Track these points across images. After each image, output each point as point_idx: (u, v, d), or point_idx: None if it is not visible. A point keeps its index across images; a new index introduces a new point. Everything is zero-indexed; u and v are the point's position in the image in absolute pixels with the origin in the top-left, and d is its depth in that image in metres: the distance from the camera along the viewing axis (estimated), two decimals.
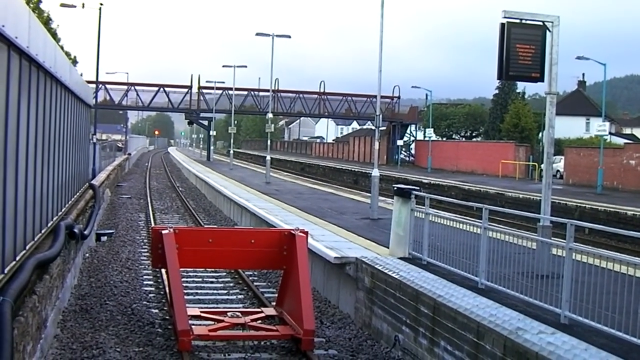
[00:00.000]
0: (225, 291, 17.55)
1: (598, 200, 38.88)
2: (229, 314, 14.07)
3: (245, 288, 17.84)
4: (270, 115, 52.15)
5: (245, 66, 67.15)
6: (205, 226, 26.81)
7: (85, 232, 18.27)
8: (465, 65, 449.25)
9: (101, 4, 43.11)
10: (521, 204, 38.76)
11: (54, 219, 15.05)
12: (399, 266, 14.15)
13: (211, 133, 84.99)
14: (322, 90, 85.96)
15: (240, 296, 17.14)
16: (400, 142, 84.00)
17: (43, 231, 13.25)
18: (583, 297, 9.88)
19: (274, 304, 15.38)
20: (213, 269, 18.96)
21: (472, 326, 10.47)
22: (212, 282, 18.44)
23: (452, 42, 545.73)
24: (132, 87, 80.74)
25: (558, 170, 58.82)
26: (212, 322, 13.63)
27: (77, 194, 21.47)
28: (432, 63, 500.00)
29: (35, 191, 12.11)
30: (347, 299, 15.70)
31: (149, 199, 40.72)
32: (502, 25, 13.83)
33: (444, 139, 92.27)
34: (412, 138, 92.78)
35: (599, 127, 47.57)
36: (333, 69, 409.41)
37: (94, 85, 43.17)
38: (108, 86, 77.67)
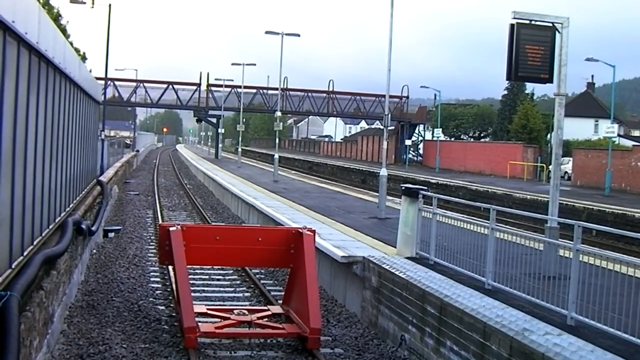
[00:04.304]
0: (232, 289, 17.57)
1: (606, 202, 38.79)
2: (235, 311, 14.08)
3: (252, 286, 17.86)
4: (278, 113, 52.15)
5: (254, 64, 67.25)
6: (213, 224, 26.82)
7: (93, 228, 18.29)
8: (473, 66, 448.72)
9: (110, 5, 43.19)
10: (529, 205, 38.69)
11: (62, 214, 15.08)
12: (406, 266, 14.15)
13: (219, 131, 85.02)
14: (330, 89, 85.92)
15: (247, 294, 17.15)
16: (408, 142, 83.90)
17: (51, 227, 13.28)
18: (590, 298, 9.87)
19: (280, 302, 15.39)
20: (220, 267, 18.97)
21: (478, 326, 10.46)
22: (219, 280, 18.45)
23: (460, 42, 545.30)
24: (141, 84, 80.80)
25: (566, 172, 58.68)
26: (219, 320, 13.64)
27: (85, 190, 21.51)
28: (440, 63, 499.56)
29: (43, 187, 12.14)
30: (354, 298, 15.71)
31: (156, 195, 40.78)
32: (512, 26, 13.81)
33: (452, 139, 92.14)
34: (421, 138, 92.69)
35: (607, 128, 47.44)
36: (340, 68, 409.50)
37: (103, 82, 43.18)
38: (117, 83, 77.65)
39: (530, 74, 14.23)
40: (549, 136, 67.21)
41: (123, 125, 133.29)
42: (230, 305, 15.51)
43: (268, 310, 14.63)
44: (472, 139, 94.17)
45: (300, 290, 13.74)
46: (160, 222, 26.84)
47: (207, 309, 14.27)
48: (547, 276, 12.12)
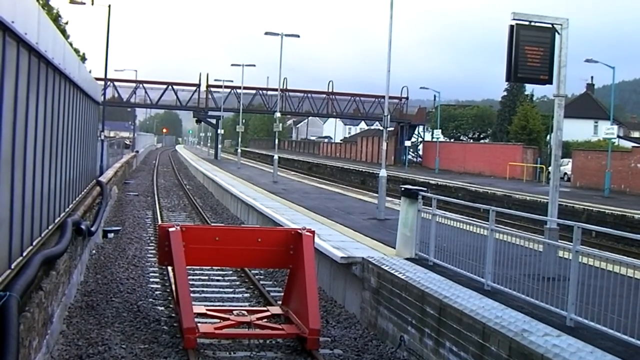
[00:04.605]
0: (232, 289, 17.56)
1: (605, 203, 38.80)
2: (234, 312, 14.09)
3: (252, 286, 17.85)
4: (278, 114, 52.17)
5: (254, 65, 67.21)
6: (212, 224, 26.83)
7: (92, 229, 18.30)
8: (473, 67, 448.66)
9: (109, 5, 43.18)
10: (528, 206, 38.69)
11: (61, 215, 15.08)
12: (405, 267, 14.14)
13: (219, 131, 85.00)
14: (330, 90, 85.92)
15: (246, 295, 17.15)
16: (408, 143, 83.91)
17: (50, 227, 13.28)
18: (589, 299, 9.86)
19: (279, 302, 15.39)
20: (219, 267, 18.96)
21: (477, 327, 10.46)
22: (218, 280, 18.45)
23: (459, 43, 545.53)
24: (141, 85, 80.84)
25: (565, 173, 58.70)
26: (218, 320, 13.64)
27: (85, 190, 21.51)
28: (438, 64, 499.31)
29: (42, 187, 12.14)
30: (353, 298, 15.71)
31: (156, 196, 40.78)
32: (511, 27, 13.83)
33: (452, 140, 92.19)
34: (420, 139, 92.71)
35: (607, 130, 47.46)
36: (340, 69, 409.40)
37: (102, 83, 43.17)
38: (116, 83, 77.70)
39: (530, 75, 14.24)
40: (548, 137, 67.20)
41: (123, 125, 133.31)
42: (230, 306, 15.51)
43: (267, 311, 14.64)
44: (471, 140, 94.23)
45: (299, 291, 13.74)
46: (159, 222, 26.83)
47: (207, 310, 14.27)
48: (546, 277, 12.11)
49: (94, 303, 15.16)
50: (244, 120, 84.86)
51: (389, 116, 26.40)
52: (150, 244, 23.76)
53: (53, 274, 11.44)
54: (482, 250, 12.65)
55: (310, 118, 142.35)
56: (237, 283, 18.31)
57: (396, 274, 13.60)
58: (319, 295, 14.85)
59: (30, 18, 9.98)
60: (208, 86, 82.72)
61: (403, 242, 15.73)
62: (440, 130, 78.45)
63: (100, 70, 51.94)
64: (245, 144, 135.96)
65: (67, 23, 47.52)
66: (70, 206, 16.95)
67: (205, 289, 17.32)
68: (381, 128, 27.80)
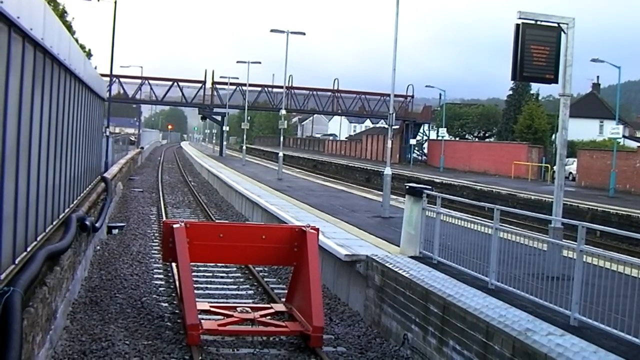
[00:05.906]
0: (235, 286, 17.57)
1: (610, 203, 38.75)
2: (238, 309, 14.08)
3: (256, 283, 17.86)
4: (283, 111, 52.18)
5: (260, 62, 67.26)
6: (217, 221, 26.83)
7: (97, 225, 18.31)
8: (478, 66, 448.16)
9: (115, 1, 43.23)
10: (533, 205, 38.64)
11: (66, 211, 15.11)
12: (409, 265, 14.14)
13: (224, 128, 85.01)
14: (335, 88, 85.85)
15: (250, 291, 17.15)
16: (413, 141, 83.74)
17: (54, 223, 13.30)
18: (593, 299, 9.84)
19: (283, 300, 15.39)
20: (223, 264, 18.96)
21: (481, 326, 10.45)
22: (222, 277, 18.46)
23: (465, 42, 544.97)
24: (146, 81, 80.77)
25: (570, 173, 58.58)
26: (222, 317, 13.65)
27: (90, 186, 21.54)
28: (445, 62, 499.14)
29: (47, 183, 12.16)
30: (357, 296, 15.70)
31: (160, 192, 40.79)
32: (517, 26, 13.80)
33: (457, 138, 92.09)
34: (425, 137, 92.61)
35: (612, 129, 47.40)
36: (345, 67, 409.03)
37: (108, 79, 43.21)
38: (122, 80, 77.65)
39: (536, 74, 14.21)
40: (553, 137, 67.12)
41: (128, 122, 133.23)
42: (234, 302, 15.51)
43: (271, 308, 14.63)
44: (476, 139, 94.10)
45: (303, 288, 13.74)
46: (164, 219, 26.85)
47: (210, 307, 14.28)
48: (550, 277, 12.09)
49: (98, 299, 15.18)
50: (249, 118, 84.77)
51: (394, 114, 26.39)
52: (155, 241, 23.76)
53: (57, 269, 11.45)
54: (487, 249, 12.64)
55: (315, 116, 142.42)
56: (241, 280, 18.32)
57: (400, 272, 13.59)
58: (322, 292, 14.84)
59: (36, 13, 9.99)
60: (213, 83, 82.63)
61: (407, 240, 15.72)
62: (445, 129, 78.43)
63: (105, 66, 52.19)
64: (250, 141, 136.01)
65: (73, 19, 47.66)
66: (74, 202, 16.98)
67: (209, 286, 17.32)
68: (386, 126, 27.80)
